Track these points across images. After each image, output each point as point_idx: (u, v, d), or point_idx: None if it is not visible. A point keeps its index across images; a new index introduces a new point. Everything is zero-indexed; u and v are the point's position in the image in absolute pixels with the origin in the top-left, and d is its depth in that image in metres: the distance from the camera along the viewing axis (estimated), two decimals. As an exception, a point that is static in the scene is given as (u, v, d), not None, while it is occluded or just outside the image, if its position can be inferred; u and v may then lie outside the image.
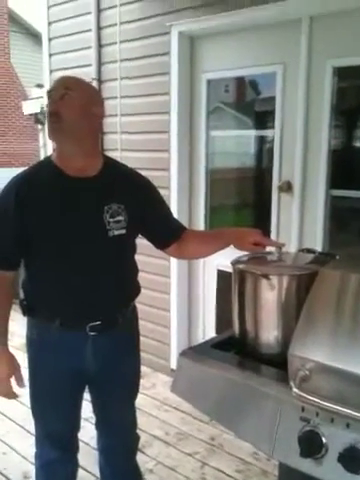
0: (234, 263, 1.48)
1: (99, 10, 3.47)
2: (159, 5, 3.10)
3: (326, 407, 1.10)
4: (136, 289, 1.81)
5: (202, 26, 2.94)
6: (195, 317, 3.42)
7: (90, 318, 1.64)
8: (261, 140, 3.12)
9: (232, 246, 1.67)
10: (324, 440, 1.11)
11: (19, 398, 1.74)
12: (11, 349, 1.69)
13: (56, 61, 3.84)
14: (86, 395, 1.81)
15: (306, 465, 1.13)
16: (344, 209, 2.77)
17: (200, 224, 3.27)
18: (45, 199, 1.60)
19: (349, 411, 1.06)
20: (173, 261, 3.22)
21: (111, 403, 1.80)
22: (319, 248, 2.55)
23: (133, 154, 3.31)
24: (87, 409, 1.84)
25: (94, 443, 1.99)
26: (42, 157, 4.50)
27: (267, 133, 3.00)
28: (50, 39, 3.87)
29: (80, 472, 1.94)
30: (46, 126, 1.65)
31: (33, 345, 1.73)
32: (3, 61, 11.94)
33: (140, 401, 1.95)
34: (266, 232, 2.75)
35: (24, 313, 1.71)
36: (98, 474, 1.99)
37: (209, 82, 3.12)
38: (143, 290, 1.82)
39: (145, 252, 1.86)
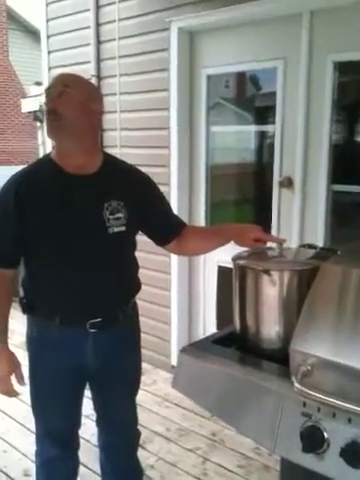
0: (235, 259, 1.47)
1: (98, 7, 3.46)
2: (158, 1, 3.09)
3: (328, 402, 1.09)
4: (137, 286, 1.80)
5: (202, 21, 2.93)
6: (196, 313, 3.42)
7: (90, 315, 1.64)
8: (262, 135, 3.11)
9: (233, 242, 1.66)
10: (326, 435, 1.11)
11: (19, 396, 1.74)
12: (11, 347, 1.69)
13: (55, 58, 3.83)
14: (87, 392, 1.81)
15: (308, 460, 1.13)
16: (345, 204, 2.76)
17: (201, 220, 3.27)
18: (45, 196, 1.59)
19: (351, 406, 1.06)
20: (173, 257, 3.22)
21: (112, 400, 1.80)
22: (320, 243, 2.54)
23: (133, 151, 3.31)
24: (88, 406, 1.84)
25: (95, 440, 1.99)
26: (41, 155, 4.50)
27: (268, 128, 2.99)
28: (49, 36, 3.86)
29: (81, 469, 1.94)
30: (45, 124, 1.64)
31: (33, 343, 1.73)
32: (2, 59, 11.93)
33: (141, 397, 1.95)
34: (267, 228, 2.75)
35: (24, 311, 1.70)
36: (99, 471, 1.99)
37: (209, 78, 3.11)
38: (143, 287, 1.82)
39: (145, 249, 1.86)
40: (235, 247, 1.62)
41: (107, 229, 1.61)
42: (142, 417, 2.03)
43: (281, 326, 1.36)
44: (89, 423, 2.00)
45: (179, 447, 2.62)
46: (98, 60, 3.51)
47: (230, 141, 3.31)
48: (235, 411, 1.27)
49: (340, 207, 2.72)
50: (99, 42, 3.49)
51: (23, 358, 1.71)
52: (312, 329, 1.19)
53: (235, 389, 1.28)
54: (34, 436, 1.84)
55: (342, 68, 2.57)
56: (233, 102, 3.26)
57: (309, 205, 2.74)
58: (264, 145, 3.11)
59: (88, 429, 2.02)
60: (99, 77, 3.49)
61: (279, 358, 1.28)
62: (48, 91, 1.58)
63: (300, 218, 2.76)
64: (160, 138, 3.22)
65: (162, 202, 1.82)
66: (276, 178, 2.85)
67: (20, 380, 1.69)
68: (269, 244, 1.63)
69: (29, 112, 6.54)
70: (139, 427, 1.94)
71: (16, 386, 1.70)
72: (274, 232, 2.84)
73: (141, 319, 1.85)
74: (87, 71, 3.39)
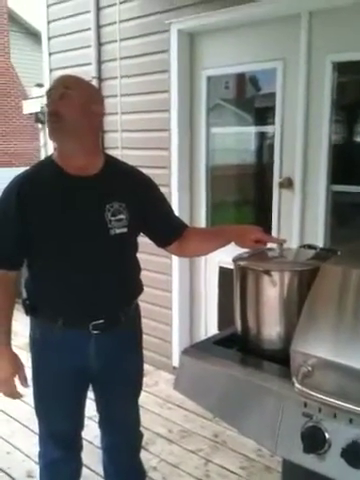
0: (236, 260, 1.47)
1: (98, 8, 3.47)
2: (158, 3, 3.10)
3: (329, 403, 1.10)
4: (139, 287, 1.81)
5: (201, 23, 2.94)
6: (197, 314, 3.42)
7: (93, 317, 1.64)
8: (261, 136, 3.11)
9: (233, 243, 1.67)
10: (327, 436, 1.11)
11: (23, 398, 1.74)
12: (14, 349, 1.69)
13: (56, 60, 3.84)
14: (90, 394, 1.81)
15: (309, 461, 1.13)
16: (345, 204, 2.76)
17: (201, 221, 3.27)
18: (46, 198, 1.60)
19: (352, 406, 1.06)
20: (175, 259, 3.22)
21: (114, 401, 1.80)
22: (320, 244, 2.55)
23: (134, 152, 3.31)
24: (91, 408, 1.84)
25: (98, 442, 1.99)
26: (43, 156, 4.51)
27: (267, 129, 3.00)
28: (50, 38, 3.87)
29: (84, 471, 1.94)
30: (46, 125, 1.65)
31: (36, 345, 1.73)
32: (3, 61, 11.93)
33: (143, 399, 1.95)
34: (267, 228, 2.75)
35: (27, 313, 1.71)
36: (102, 473, 1.99)
37: (209, 79, 3.12)
38: (145, 288, 1.82)
39: (147, 250, 1.86)
40: (236, 248, 1.62)
41: (109, 231, 1.62)
42: (144, 418, 2.03)
43: (282, 327, 1.37)
44: (92, 425, 2.00)
45: (181, 448, 2.62)
46: (99, 62, 3.52)
47: (230, 142, 3.31)
48: (236, 412, 1.28)
49: (340, 207, 2.72)
50: (100, 44, 3.50)
51: (26, 360, 1.72)
52: (312, 330, 1.19)
53: (236, 390, 1.28)
54: (37, 437, 1.85)
55: (341, 68, 2.57)
56: (233, 103, 3.27)
57: (309, 205, 2.74)
58: (264, 146, 3.11)
59: (91, 431, 2.03)
60: (100, 79, 3.50)
61: (280, 359, 1.29)
62: (49, 93, 1.59)
63: (300, 219, 2.76)
64: (161, 139, 3.23)
65: (163, 203, 1.82)
66: (276, 179, 2.85)
67: (23, 382, 1.70)
68: (269, 245, 1.63)
69: (30, 114, 6.53)
70: (141, 429, 1.94)
71: (19, 388, 1.70)
72: (274, 233, 2.85)
73: (143, 320, 1.85)
74: (88, 73, 3.40)
